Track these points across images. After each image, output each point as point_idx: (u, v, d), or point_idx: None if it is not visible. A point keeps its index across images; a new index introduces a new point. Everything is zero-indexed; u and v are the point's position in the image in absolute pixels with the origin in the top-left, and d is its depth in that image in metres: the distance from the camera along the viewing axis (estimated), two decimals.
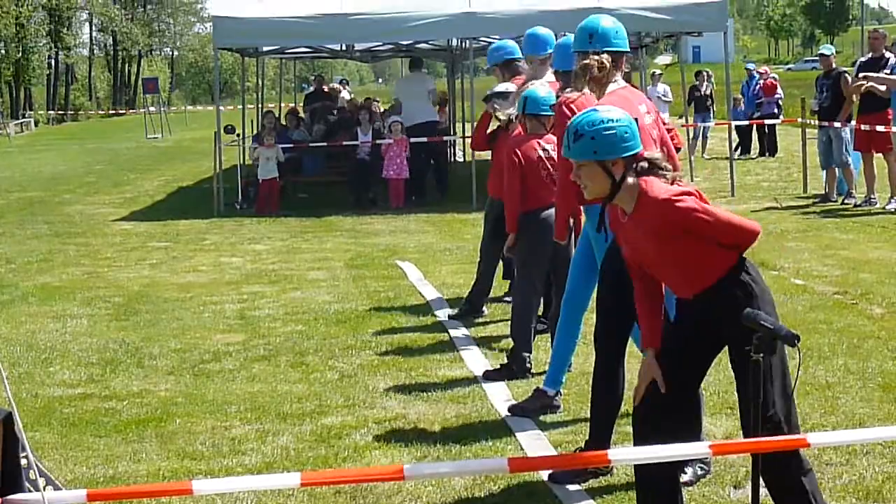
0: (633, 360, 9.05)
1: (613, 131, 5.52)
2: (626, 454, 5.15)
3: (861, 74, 18.29)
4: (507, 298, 11.93)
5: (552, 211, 9.18)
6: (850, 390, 8.55)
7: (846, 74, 19.18)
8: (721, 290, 5.48)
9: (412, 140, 22.07)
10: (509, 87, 10.83)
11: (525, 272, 9.54)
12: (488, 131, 11.58)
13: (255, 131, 26.47)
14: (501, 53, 11.55)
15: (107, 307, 12.61)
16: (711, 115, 31.14)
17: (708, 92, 30.80)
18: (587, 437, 7.23)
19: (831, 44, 70.14)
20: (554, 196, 8.92)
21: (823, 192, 19.86)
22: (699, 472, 6.82)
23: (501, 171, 10.21)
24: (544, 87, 9.62)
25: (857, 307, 11.36)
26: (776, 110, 30.75)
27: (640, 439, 5.76)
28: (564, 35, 9.17)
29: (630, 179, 5.52)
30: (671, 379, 5.71)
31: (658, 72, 32.97)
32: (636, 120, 5.87)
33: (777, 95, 31.18)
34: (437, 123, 23.87)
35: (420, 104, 22.89)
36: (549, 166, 9.37)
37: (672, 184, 5.56)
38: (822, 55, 20.23)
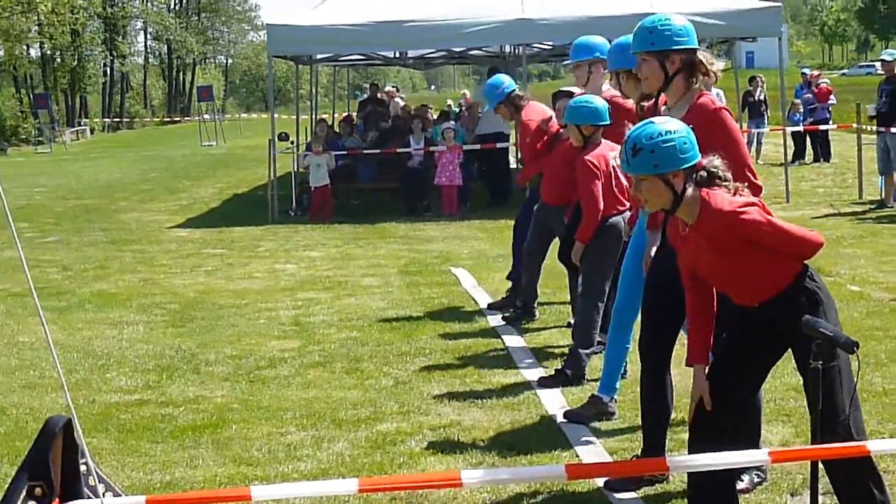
0: (677, 365, 9.05)
1: (672, 143, 5.46)
2: (683, 461, 5.13)
3: None
4: (516, 303, 12.14)
5: (619, 218, 9.25)
6: None
7: None
8: (787, 298, 5.44)
9: (465, 148, 22.10)
10: (575, 89, 10.83)
11: (591, 280, 9.49)
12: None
13: (308, 139, 26.57)
14: (500, 91, 11.82)
15: (163, 314, 12.69)
16: (766, 120, 30.96)
17: (762, 97, 30.64)
18: (642, 446, 7.20)
19: (886, 48, 69.67)
20: (620, 204, 9.34)
21: (880, 197, 19.71)
22: (756, 480, 6.78)
23: (559, 178, 10.22)
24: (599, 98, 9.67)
25: None
26: (828, 116, 30.53)
27: (696, 446, 5.74)
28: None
29: (691, 191, 5.48)
30: (729, 386, 5.70)
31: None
32: None
33: (830, 101, 30.96)
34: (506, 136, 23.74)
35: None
36: (619, 175, 9.35)
37: (734, 194, 5.52)
38: (884, 60, 20.03)
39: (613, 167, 9.40)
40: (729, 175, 5.57)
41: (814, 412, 5.14)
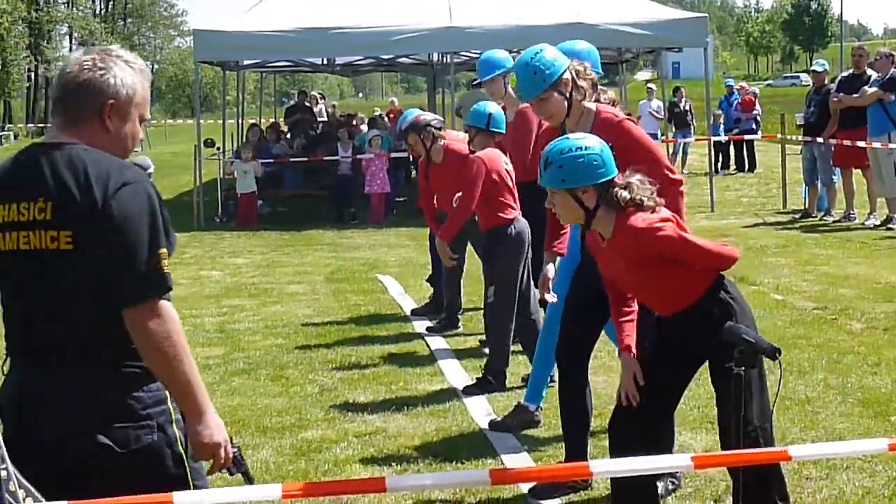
0: (603, 373, 9.10)
1: (583, 159, 5.52)
2: (607, 466, 5.14)
3: (833, 96, 18.34)
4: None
5: (524, 223, 9.38)
6: (829, 405, 8.56)
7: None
8: (700, 310, 5.50)
9: (393, 155, 22.13)
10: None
11: (501, 286, 9.51)
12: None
13: (235, 145, 26.47)
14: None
15: None
16: (692, 130, 31.21)
17: (687, 108, 30.87)
18: (565, 454, 7.22)
19: (811, 60, 70.38)
20: (512, 209, 9.58)
21: (804, 207, 19.91)
22: (670, 487, 6.82)
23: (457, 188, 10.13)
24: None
25: (836, 322, 11.38)
26: (754, 126, 30.80)
27: (617, 449, 5.81)
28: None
29: (604, 207, 5.53)
30: (650, 392, 5.75)
31: (652, 87, 32.93)
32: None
33: (755, 112, 31.23)
34: None
35: None
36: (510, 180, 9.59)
37: (651, 211, 5.56)
38: (814, 71, 20.20)
39: (507, 171, 9.59)
40: (645, 192, 5.60)
41: (726, 420, 5.19)
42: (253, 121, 33.07)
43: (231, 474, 4.21)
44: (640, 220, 5.48)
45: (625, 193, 5.53)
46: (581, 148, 5.54)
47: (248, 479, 4.22)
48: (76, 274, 3.84)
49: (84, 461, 3.85)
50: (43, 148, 3.97)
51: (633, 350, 5.83)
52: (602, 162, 5.54)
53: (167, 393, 4.01)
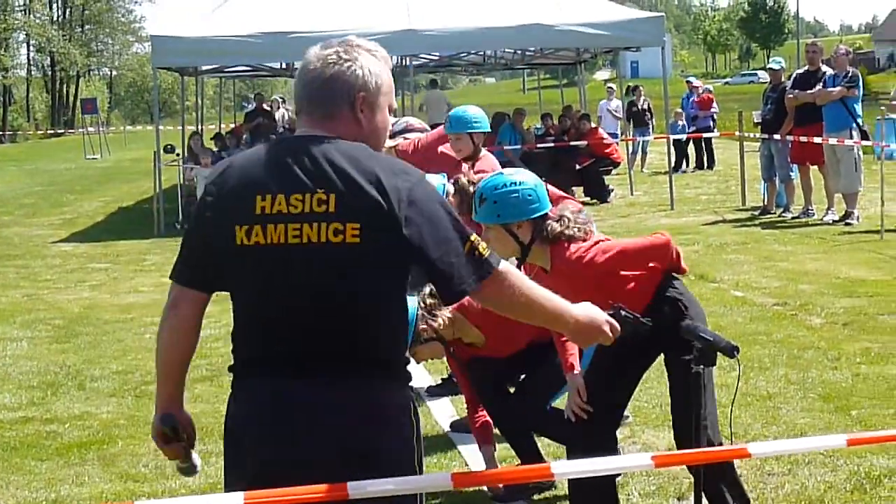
0: None
1: (517, 194, 5.60)
2: (569, 467, 5.17)
3: (788, 93, 18.44)
4: None
5: None
6: (790, 401, 8.62)
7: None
8: (652, 311, 5.56)
9: None
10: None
11: None
12: None
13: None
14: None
15: (47, 330, 12.52)
16: (650, 129, 31.31)
17: (645, 106, 30.96)
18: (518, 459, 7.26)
19: (768, 57, 70.74)
20: None
21: (762, 204, 20.01)
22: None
23: None
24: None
25: (796, 318, 11.46)
26: (711, 124, 30.92)
27: (575, 452, 5.88)
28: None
29: (539, 241, 5.60)
30: (604, 396, 5.82)
31: (612, 86, 33.04)
32: None
33: (713, 110, 31.34)
34: None
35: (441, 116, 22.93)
36: None
37: (584, 240, 5.66)
38: (771, 69, 20.30)
39: None
40: (577, 224, 5.70)
41: (682, 417, 5.25)
42: (212, 126, 33.02)
43: None
44: (574, 251, 5.59)
45: (556, 226, 5.65)
46: (515, 183, 5.63)
47: None
48: (359, 268, 3.67)
49: (349, 469, 3.64)
50: (304, 140, 3.79)
51: (577, 367, 5.94)
52: (536, 197, 5.64)
53: (415, 397, 3.91)
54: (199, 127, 31.26)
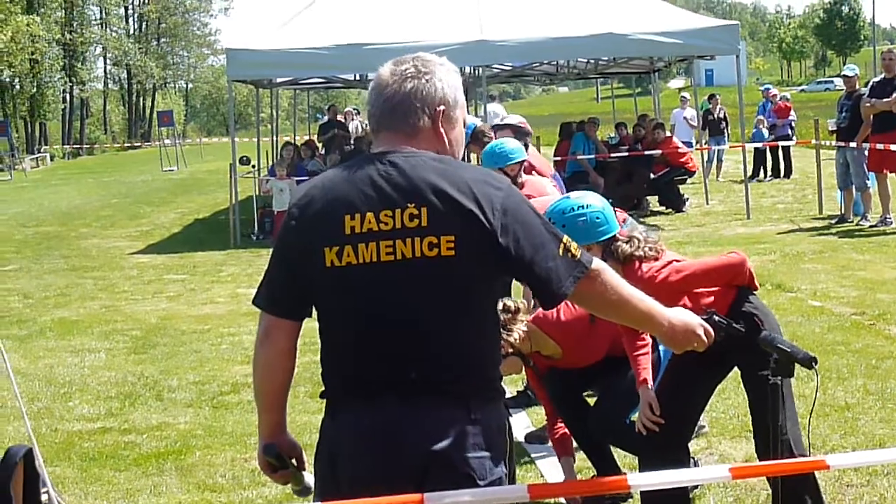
0: None
1: (584, 217, 5.60)
2: (646, 479, 5.14)
3: (864, 101, 18.27)
4: None
5: None
6: (869, 411, 8.53)
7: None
8: None
9: None
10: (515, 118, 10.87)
11: None
12: None
13: (270, 162, 26.56)
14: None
15: (125, 340, 12.64)
16: (726, 138, 31.13)
17: (721, 115, 30.75)
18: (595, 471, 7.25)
19: (845, 64, 70.10)
20: None
21: (840, 212, 19.82)
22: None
23: None
24: None
25: (874, 328, 11.33)
26: (790, 132, 30.68)
27: (647, 462, 5.87)
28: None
29: (611, 262, 5.60)
30: (677, 409, 5.81)
31: (686, 95, 32.88)
32: None
33: (790, 118, 31.09)
34: None
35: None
36: None
37: (656, 259, 5.65)
38: (845, 76, 20.13)
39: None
40: (647, 244, 5.70)
41: (762, 429, 5.22)
42: (287, 138, 33.18)
43: None
44: (646, 270, 5.58)
45: (626, 247, 5.65)
46: (582, 207, 5.64)
47: None
48: (455, 281, 3.61)
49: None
50: (387, 156, 3.73)
51: (650, 381, 5.93)
52: (604, 219, 5.66)
53: (509, 420, 3.91)
54: (274, 138, 31.46)
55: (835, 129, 19.84)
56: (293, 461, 4.02)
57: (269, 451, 3.99)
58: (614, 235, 5.70)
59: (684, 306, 5.46)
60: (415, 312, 3.64)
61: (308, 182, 3.96)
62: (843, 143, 19.14)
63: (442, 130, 3.82)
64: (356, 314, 3.72)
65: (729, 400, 8.45)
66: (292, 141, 29.45)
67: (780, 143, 29.40)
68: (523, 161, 9.49)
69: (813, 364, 4.67)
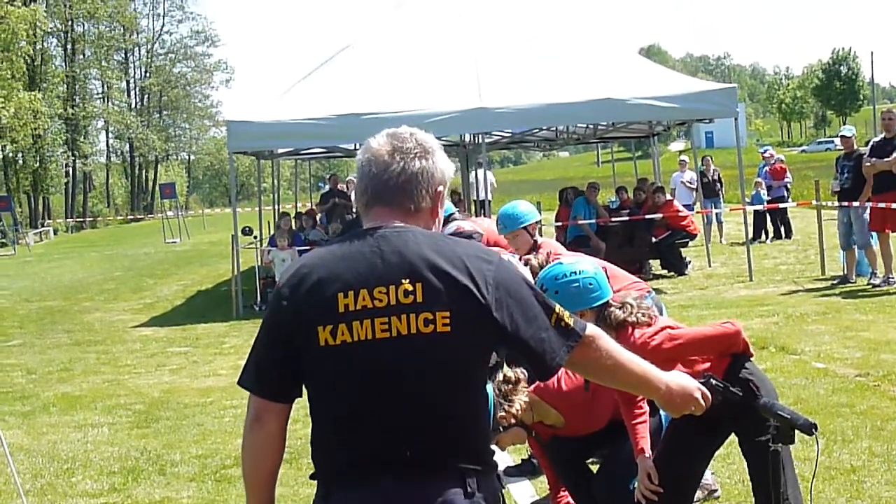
0: None
1: (577, 283, 5.62)
2: None
3: (865, 160, 18.33)
4: None
5: None
6: (875, 473, 8.48)
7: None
8: None
9: None
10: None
11: None
12: None
13: (272, 232, 26.61)
14: None
15: (128, 415, 12.62)
16: (721, 199, 31.14)
17: (716, 177, 30.79)
18: None
19: (844, 124, 70.37)
20: None
21: (842, 273, 19.81)
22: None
23: None
24: None
25: (879, 389, 11.29)
26: (785, 194, 30.74)
27: None
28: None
29: (604, 328, 5.60)
30: (675, 477, 5.80)
31: (685, 159, 32.98)
32: None
33: (787, 179, 31.16)
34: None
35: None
36: None
37: (648, 325, 5.66)
38: (843, 136, 20.19)
39: None
40: (640, 310, 5.70)
41: (775, 494, 5.18)
42: (287, 207, 33.24)
43: None
44: (639, 336, 5.58)
45: (619, 313, 5.66)
46: (575, 273, 5.65)
47: None
48: (451, 356, 3.58)
49: None
50: (379, 231, 3.70)
51: (647, 451, 5.93)
52: (597, 285, 5.67)
53: (502, 494, 3.86)
54: (276, 208, 31.53)
55: (837, 189, 19.88)
56: None
57: None
58: (607, 301, 5.71)
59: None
60: (411, 389, 3.59)
61: (298, 260, 3.94)
62: (845, 204, 19.17)
63: (438, 209, 3.85)
64: (350, 393, 3.65)
65: (734, 465, 8.41)
66: (293, 211, 29.53)
67: (779, 205, 29.43)
68: (539, 220, 9.89)
69: (813, 430, 4.66)
